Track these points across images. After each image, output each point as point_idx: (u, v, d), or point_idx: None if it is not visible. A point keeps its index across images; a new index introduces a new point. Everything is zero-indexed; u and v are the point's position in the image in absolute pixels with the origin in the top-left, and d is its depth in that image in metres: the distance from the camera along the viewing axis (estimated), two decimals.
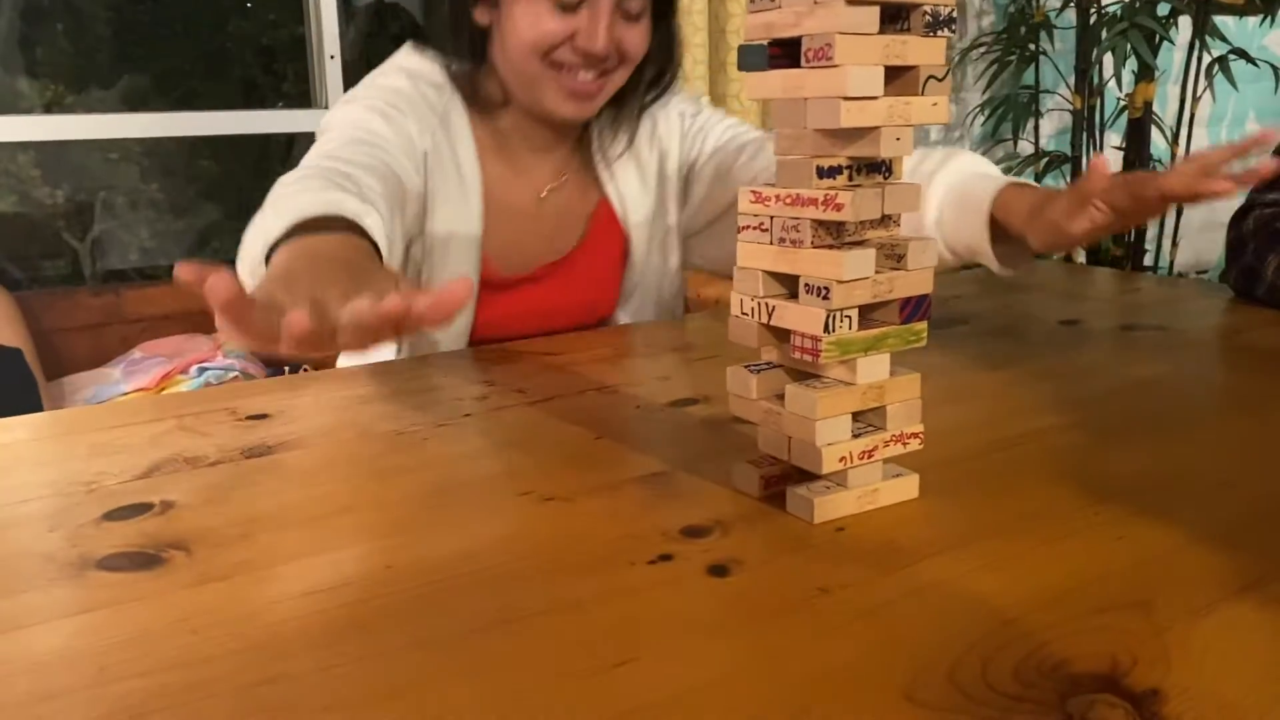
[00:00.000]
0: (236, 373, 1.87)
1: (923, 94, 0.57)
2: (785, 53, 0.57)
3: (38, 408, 1.61)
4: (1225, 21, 2.67)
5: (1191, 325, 1.13)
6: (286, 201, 0.77)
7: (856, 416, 0.61)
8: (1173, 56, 2.90)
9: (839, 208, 0.56)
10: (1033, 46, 2.65)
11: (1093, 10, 2.53)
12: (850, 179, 0.58)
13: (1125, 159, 2.66)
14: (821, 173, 0.57)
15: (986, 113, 2.78)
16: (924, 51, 0.56)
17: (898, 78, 0.57)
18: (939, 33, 0.56)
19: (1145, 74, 2.52)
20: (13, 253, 2.31)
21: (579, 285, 1.20)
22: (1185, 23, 2.57)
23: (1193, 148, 2.75)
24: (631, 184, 1.20)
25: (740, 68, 0.60)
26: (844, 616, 0.50)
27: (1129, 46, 2.39)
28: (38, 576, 0.55)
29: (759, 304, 0.61)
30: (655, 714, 0.43)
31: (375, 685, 0.45)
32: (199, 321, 2.00)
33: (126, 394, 1.77)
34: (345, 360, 1.20)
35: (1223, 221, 1.23)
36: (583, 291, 1.20)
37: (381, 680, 0.45)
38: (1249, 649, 0.47)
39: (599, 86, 1.07)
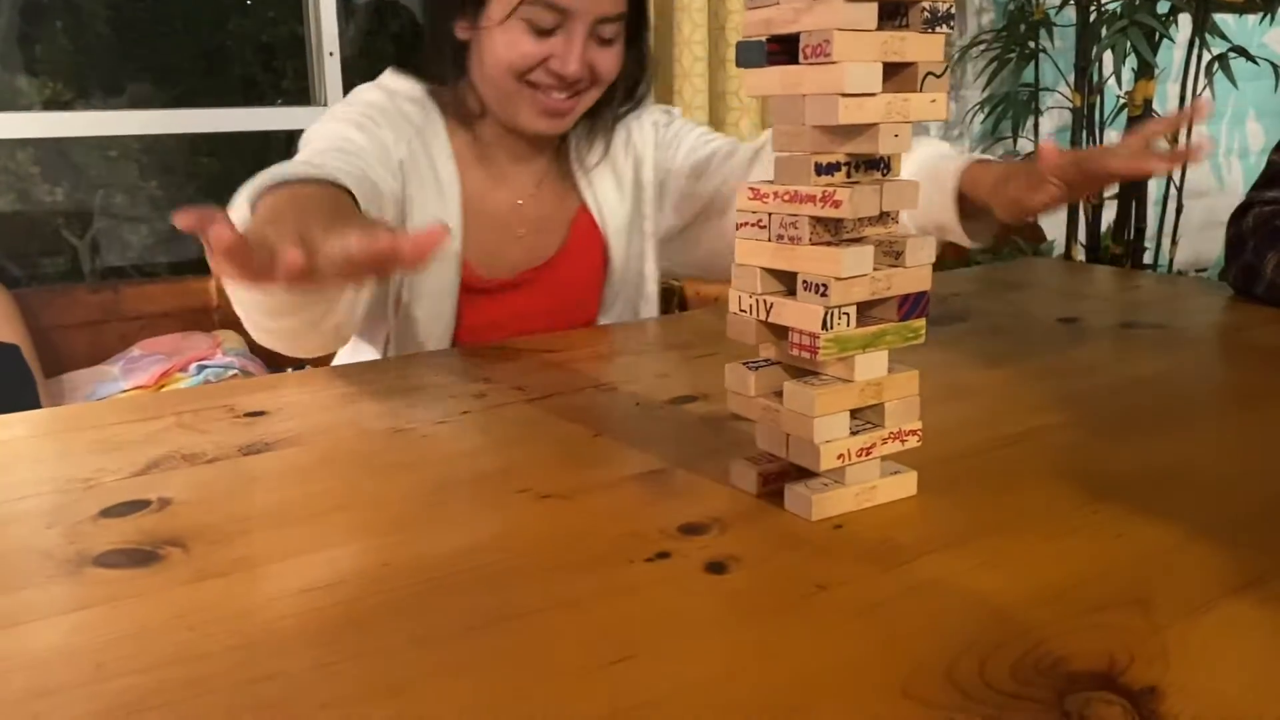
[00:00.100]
0: (236, 370, 1.87)
1: (921, 90, 0.57)
2: (784, 49, 0.57)
3: (36, 405, 1.61)
4: (1225, 19, 2.67)
5: (1191, 323, 1.13)
6: (266, 173, 0.81)
7: (855, 414, 0.61)
8: (1172, 54, 2.90)
9: (837, 204, 0.56)
10: (1032, 44, 2.64)
11: (1092, 8, 2.53)
12: (848, 176, 0.58)
13: None
14: (820, 169, 0.57)
15: (986, 110, 2.78)
16: (922, 48, 0.56)
17: (896, 74, 0.57)
18: (937, 29, 0.56)
19: (1145, 72, 2.52)
20: (12, 250, 2.31)
21: (561, 291, 1.22)
22: (1185, 20, 2.57)
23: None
24: (609, 191, 1.24)
25: (739, 64, 0.60)
26: (842, 614, 0.50)
27: (1129, 44, 2.38)
28: (35, 573, 0.55)
29: (757, 301, 0.61)
30: (653, 711, 0.43)
31: (372, 682, 0.45)
32: (197, 319, 2.00)
33: (125, 392, 1.77)
34: (345, 355, 1.20)
35: (1222, 220, 1.23)
36: (565, 297, 1.22)
37: (379, 677, 0.45)
38: (1247, 647, 0.47)
39: (571, 105, 1.11)
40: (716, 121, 2.36)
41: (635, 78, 1.20)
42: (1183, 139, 2.62)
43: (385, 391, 0.89)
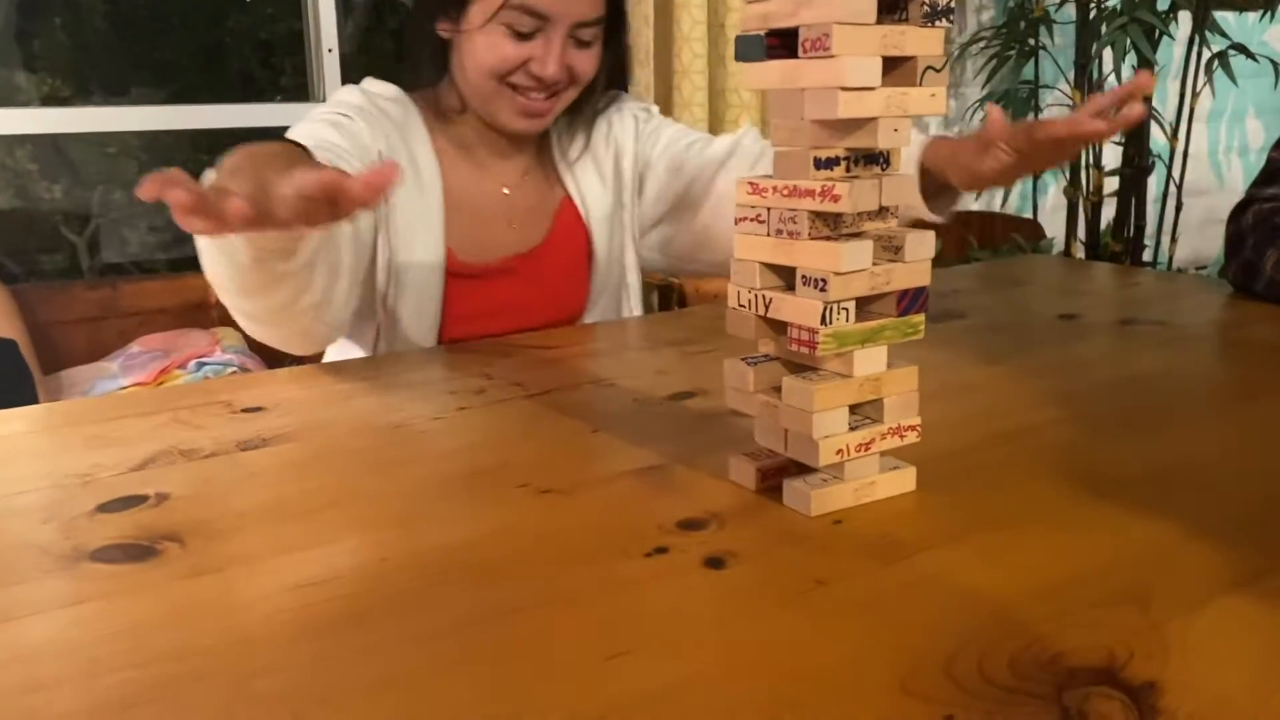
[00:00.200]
0: (235, 367, 1.87)
1: (920, 85, 0.57)
2: (783, 43, 0.57)
3: (33, 401, 1.60)
4: (1225, 17, 2.66)
5: (1190, 320, 1.13)
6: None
7: (854, 409, 0.61)
8: (1172, 51, 2.90)
9: (836, 199, 0.56)
10: (1032, 41, 2.64)
11: (1092, 5, 2.53)
12: (848, 170, 0.58)
13: (1124, 154, 2.66)
14: (819, 164, 0.57)
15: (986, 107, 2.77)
16: (922, 42, 0.56)
17: (895, 68, 0.57)
18: (937, 23, 0.56)
19: (1145, 69, 2.51)
20: (11, 247, 2.30)
21: (547, 279, 1.23)
22: (1185, 18, 2.57)
23: (1192, 143, 2.75)
24: (591, 182, 1.26)
25: (738, 58, 0.59)
26: (840, 609, 0.50)
27: (1128, 41, 2.38)
28: (31, 568, 0.55)
29: (756, 296, 0.61)
30: (650, 705, 0.42)
31: (369, 677, 0.45)
32: (196, 316, 2.00)
33: (124, 389, 1.77)
34: (333, 355, 1.20)
35: (1222, 218, 1.22)
36: (551, 286, 1.23)
37: (375, 672, 0.45)
38: (1246, 642, 0.46)
39: (549, 106, 1.14)
40: (716, 119, 2.35)
41: (613, 75, 1.23)
42: (1180, 144, 2.62)
43: (383, 387, 0.89)
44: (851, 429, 0.60)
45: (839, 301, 0.57)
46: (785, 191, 0.58)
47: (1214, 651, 0.46)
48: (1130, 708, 0.41)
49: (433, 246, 1.15)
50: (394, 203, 1.13)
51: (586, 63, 1.13)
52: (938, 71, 0.58)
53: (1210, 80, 2.57)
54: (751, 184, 0.60)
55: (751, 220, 0.61)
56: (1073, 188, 2.69)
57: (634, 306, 1.30)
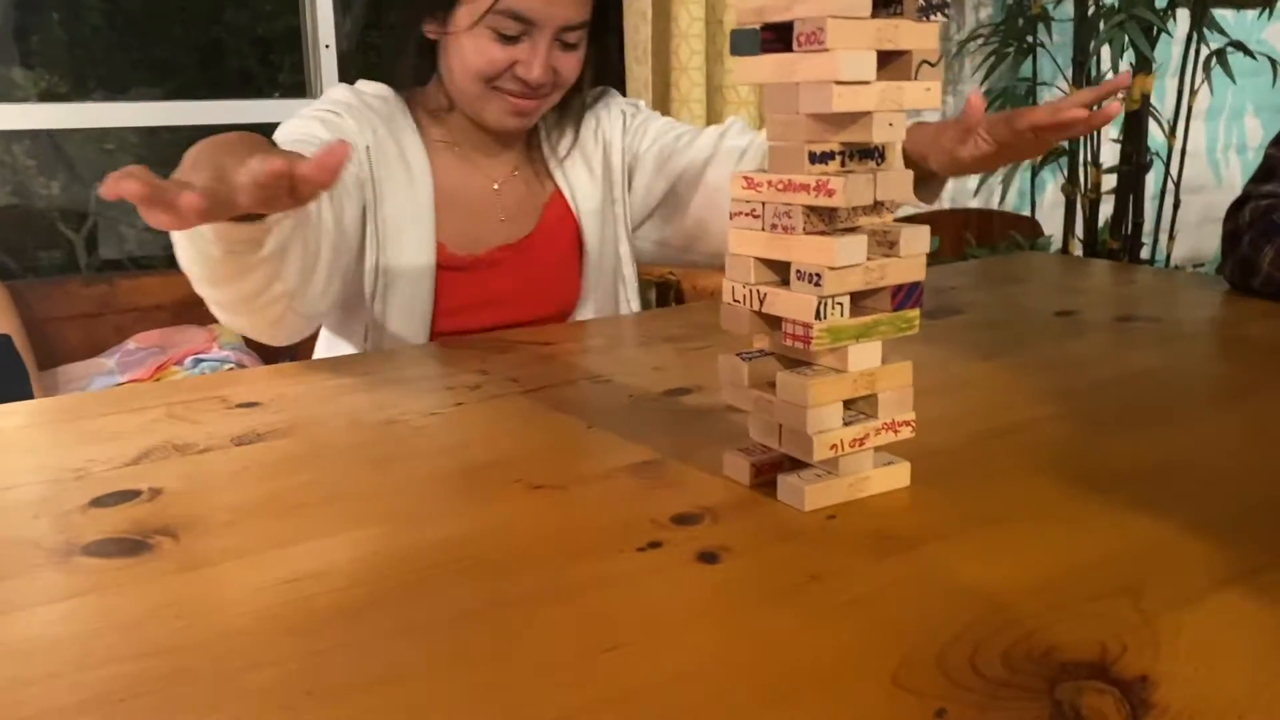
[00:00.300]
0: (231, 364, 1.87)
1: (915, 79, 0.57)
2: (778, 37, 0.57)
3: (28, 396, 1.60)
4: (1224, 14, 2.66)
5: (1187, 317, 1.13)
6: None
7: (848, 404, 0.61)
8: (1171, 49, 2.90)
9: (831, 193, 0.56)
10: (1030, 38, 2.64)
11: (1090, 2, 2.52)
12: (843, 164, 0.58)
13: (1122, 152, 2.65)
14: (814, 158, 0.57)
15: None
16: (917, 36, 0.56)
17: (890, 62, 0.57)
18: (932, 17, 0.56)
19: (1143, 66, 2.51)
20: (8, 244, 2.30)
21: (537, 271, 1.23)
22: (1184, 15, 2.57)
23: (1190, 141, 2.75)
24: (581, 177, 1.27)
25: (733, 52, 0.59)
26: (834, 603, 0.50)
27: (1126, 39, 2.38)
28: (23, 563, 0.55)
29: (750, 291, 0.61)
30: (643, 699, 0.42)
31: (361, 671, 0.45)
32: (193, 312, 2.00)
33: (121, 384, 1.76)
34: (323, 351, 1.20)
35: (1220, 216, 1.22)
36: (541, 277, 1.24)
37: (368, 667, 0.45)
38: (1238, 637, 0.46)
39: (535, 105, 1.15)
40: (714, 114, 2.35)
41: (600, 71, 1.25)
42: (1178, 142, 2.62)
43: (379, 383, 0.89)
44: (846, 424, 0.60)
45: (833, 296, 0.57)
46: (780, 186, 0.58)
47: (1207, 646, 0.46)
48: (1122, 702, 0.41)
49: (423, 240, 1.16)
50: (383, 197, 1.14)
51: (571, 65, 1.14)
52: (933, 66, 0.57)
53: (1208, 78, 2.57)
54: (746, 178, 0.60)
55: (746, 215, 0.61)
56: (1071, 185, 2.69)
57: (631, 300, 1.31)
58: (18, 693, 0.43)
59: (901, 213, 1.07)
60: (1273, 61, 2.58)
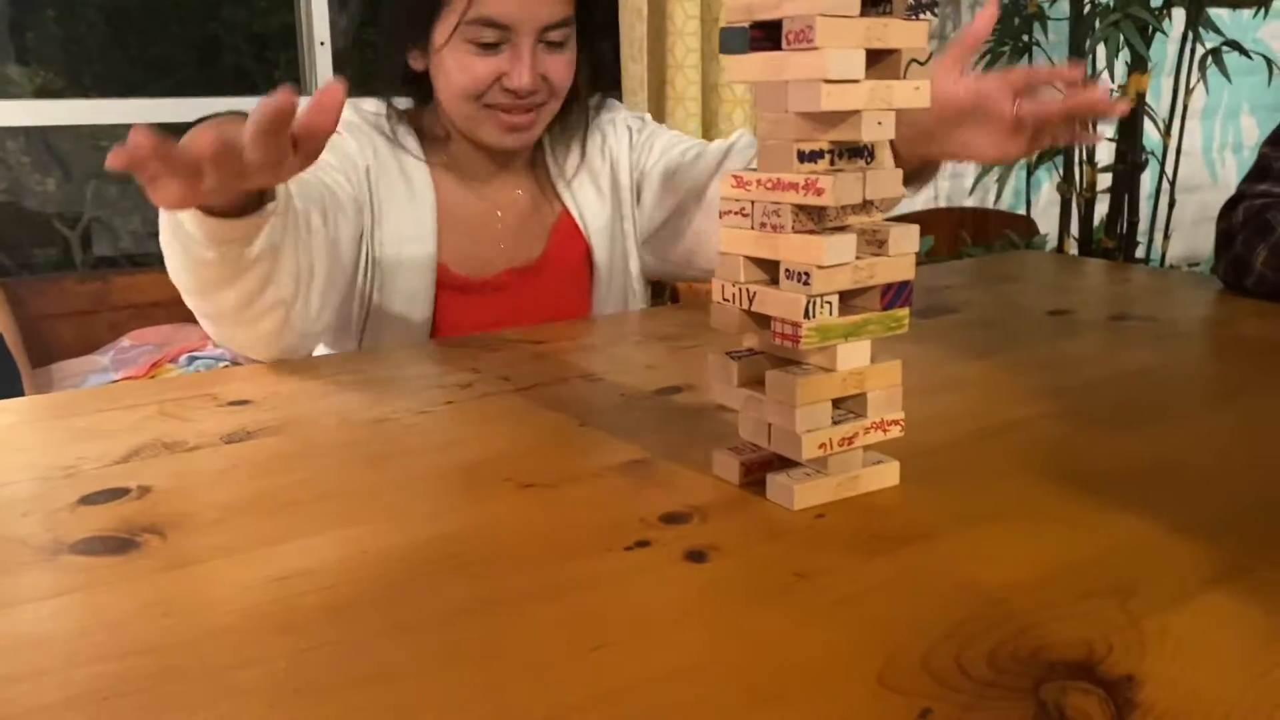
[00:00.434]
0: (226, 362, 1.86)
1: (905, 78, 0.57)
2: (766, 35, 0.57)
3: (20, 394, 1.60)
4: (1219, 14, 2.66)
5: (1181, 316, 1.13)
6: None
7: (837, 403, 0.61)
8: (1166, 48, 2.90)
9: (820, 192, 0.56)
10: (1026, 37, 2.64)
11: (1086, 1, 2.53)
12: (832, 163, 0.58)
13: (1118, 151, 2.66)
14: (803, 157, 0.57)
15: None
16: (906, 34, 0.56)
17: (879, 61, 0.57)
18: (921, 16, 0.56)
19: (1138, 66, 2.51)
20: (3, 241, 2.30)
21: (544, 294, 1.22)
22: (1179, 14, 2.57)
23: (1186, 140, 2.75)
24: (588, 194, 1.25)
25: (722, 50, 0.59)
26: (821, 603, 0.50)
27: (1121, 38, 2.38)
28: (10, 561, 0.55)
29: (740, 290, 0.61)
30: (631, 698, 0.42)
31: (349, 670, 0.45)
32: (187, 310, 1.99)
33: (115, 382, 1.76)
34: (323, 349, 1.20)
35: (1216, 215, 1.22)
36: (549, 300, 1.22)
37: (356, 665, 0.45)
38: (1225, 637, 0.46)
39: (532, 120, 1.12)
40: (709, 113, 2.35)
41: (597, 78, 1.22)
42: (1173, 141, 2.62)
43: (370, 381, 0.89)
44: (835, 423, 0.60)
45: (822, 295, 0.57)
46: (769, 184, 0.58)
47: (1193, 646, 0.46)
48: (1107, 701, 0.41)
49: (423, 260, 1.14)
50: (382, 217, 1.12)
51: (561, 69, 1.11)
52: (922, 65, 0.58)
53: (1204, 77, 2.57)
54: (736, 177, 0.60)
55: (736, 214, 0.61)
56: (1066, 184, 2.70)
57: None
58: (5, 691, 0.43)
59: (901, 210, 1.07)
60: (1268, 60, 2.58)
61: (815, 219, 0.58)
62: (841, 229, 0.58)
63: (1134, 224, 2.68)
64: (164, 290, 1.99)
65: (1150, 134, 2.67)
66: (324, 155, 1.07)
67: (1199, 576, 0.52)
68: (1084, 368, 0.92)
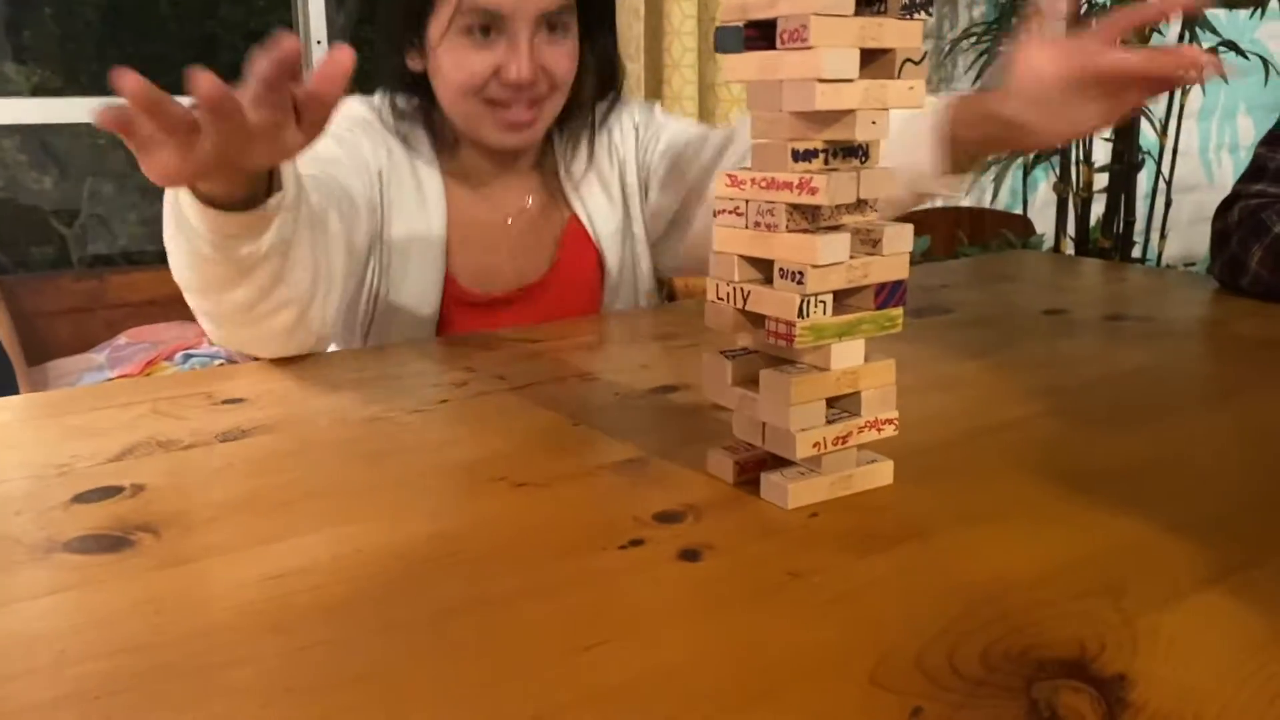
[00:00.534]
0: (222, 359, 1.86)
1: (899, 77, 0.57)
2: (761, 34, 0.57)
3: (14, 392, 1.60)
4: (1216, 14, 2.67)
5: (1177, 315, 1.13)
6: None
7: (831, 403, 0.61)
8: None
9: (814, 191, 0.56)
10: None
11: (1084, 1, 2.53)
12: (826, 163, 0.58)
13: (1114, 150, 2.66)
14: (797, 156, 0.57)
15: None
16: (900, 34, 0.56)
17: (874, 60, 0.57)
18: (915, 15, 0.56)
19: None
20: (0, 239, 2.30)
21: (556, 306, 1.20)
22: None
23: (1182, 140, 2.75)
24: (597, 198, 1.22)
25: (716, 49, 0.59)
26: (814, 601, 0.50)
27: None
28: (3, 559, 0.55)
29: (734, 289, 0.61)
30: (624, 696, 0.42)
31: (342, 668, 0.45)
32: (183, 308, 1.99)
33: (110, 380, 1.76)
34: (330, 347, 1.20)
35: (1211, 216, 1.22)
36: (560, 311, 1.20)
37: (348, 664, 0.45)
38: (1217, 636, 0.46)
39: (533, 116, 1.09)
40: (706, 112, 2.35)
41: (602, 77, 1.17)
42: (1170, 141, 2.62)
43: (365, 380, 0.89)
44: (829, 422, 0.60)
45: (816, 294, 0.57)
46: (763, 184, 0.58)
47: (1185, 645, 0.46)
48: (1098, 700, 0.41)
49: (431, 270, 1.12)
50: (391, 220, 1.10)
51: (561, 59, 1.07)
52: (916, 64, 0.57)
53: (1201, 77, 2.57)
54: (730, 176, 0.60)
55: (730, 213, 0.61)
56: (1063, 184, 2.70)
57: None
58: None
59: (899, 207, 1.04)
60: (1265, 61, 2.58)
61: (809, 218, 0.58)
62: (836, 228, 0.58)
63: (1130, 224, 2.69)
64: (160, 288, 2.00)
65: (1147, 134, 2.67)
66: (338, 153, 1.03)
67: (1192, 576, 0.52)
68: (1080, 367, 0.92)
